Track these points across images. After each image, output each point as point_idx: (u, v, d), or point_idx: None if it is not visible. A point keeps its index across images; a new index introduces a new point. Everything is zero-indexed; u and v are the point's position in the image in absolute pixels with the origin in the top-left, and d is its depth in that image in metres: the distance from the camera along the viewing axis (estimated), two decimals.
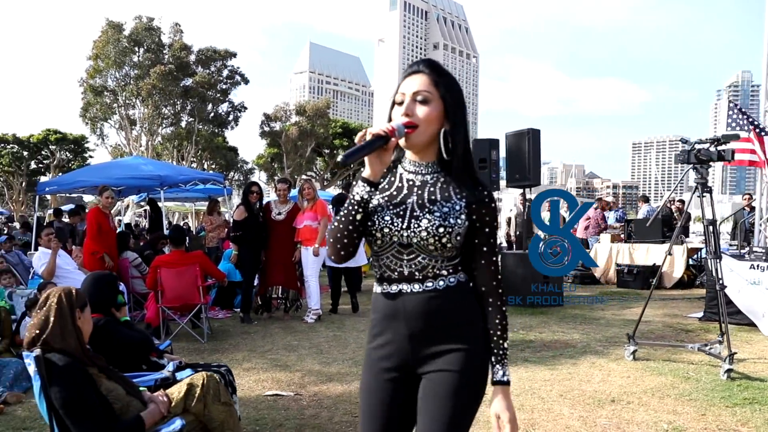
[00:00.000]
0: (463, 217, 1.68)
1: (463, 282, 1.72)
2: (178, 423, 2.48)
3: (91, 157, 45.57)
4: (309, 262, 7.18)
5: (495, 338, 1.71)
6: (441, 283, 1.69)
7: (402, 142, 1.68)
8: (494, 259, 1.74)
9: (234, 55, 38.39)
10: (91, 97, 34.05)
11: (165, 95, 34.58)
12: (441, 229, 1.65)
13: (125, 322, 3.41)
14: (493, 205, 1.74)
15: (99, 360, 2.60)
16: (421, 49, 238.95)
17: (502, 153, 8.78)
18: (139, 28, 34.47)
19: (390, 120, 1.72)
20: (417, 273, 1.68)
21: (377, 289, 1.76)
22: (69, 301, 2.57)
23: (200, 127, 36.78)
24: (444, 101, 1.70)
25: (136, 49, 34.62)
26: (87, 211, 12.07)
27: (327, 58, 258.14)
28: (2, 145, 41.95)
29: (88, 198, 31.63)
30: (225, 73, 38.31)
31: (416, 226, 1.66)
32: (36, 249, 10.56)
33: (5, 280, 6.72)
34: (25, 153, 43.28)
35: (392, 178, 1.78)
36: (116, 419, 2.42)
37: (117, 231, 8.02)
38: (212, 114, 38.21)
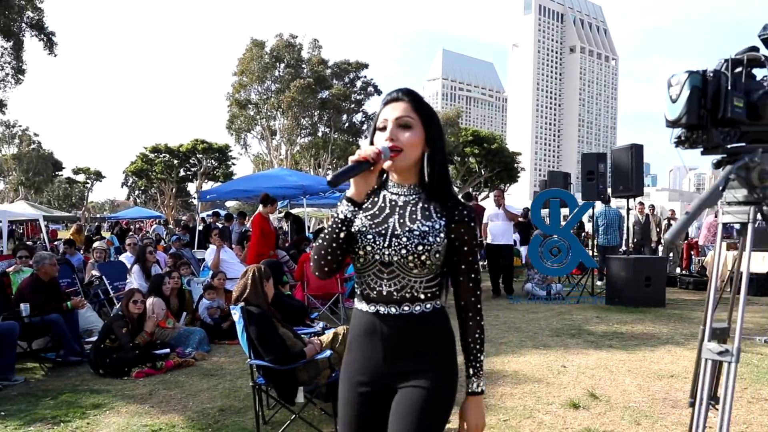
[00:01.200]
0: (442, 235, 1.77)
1: (438, 309, 1.81)
2: (328, 352, 3.79)
3: (234, 164, 50.02)
4: None
5: (474, 352, 1.81)
6: (417, 308, 1.78)
7: (387, 164, 1.76)
8: (473, 276, 1.82)
9: (366, 66, 40.71)
10: (236, 110, 37.65)
11: (303, 107, 37.44)
12: (420, 248, 1.74)
13: (288, 295, 4.79)
14: (472, 224, 1.83)
15: (277, 314, 3.94)
16: (556, 52, 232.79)
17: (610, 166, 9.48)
18: (280, 45, 37.64)
19: (371, 139, 1.82)
20: (395, 293, 1.77)
21: (357, 305, 1.86)
22: (259, 273, 3.95)
23: (336, 136, 39.37)
24: (425, 127, 1.80)
25: (277, 64, 37.77)
26: (246, 216, 14.13)
27: (460, 65, 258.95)
28: (156, 154, 46.94)
29: (229, 203, 35.08)
30: (358, 84, 40.81)
31: (396, 244, 1.75)
32: (196, 247, 12.68)
33: (184, 270, 8.48)
34: (176, 161, 47.97)
35: (376, 199, 1.86)
36: (288, 350, 3.74)
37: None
38: (347, 124, 40.69)
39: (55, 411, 4.45)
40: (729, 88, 2.18)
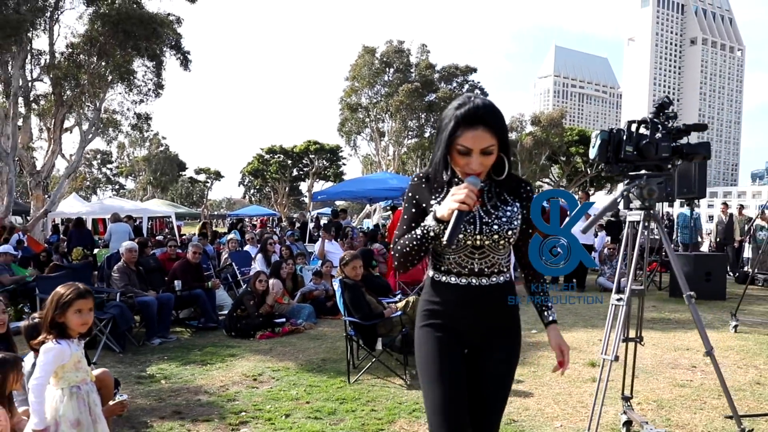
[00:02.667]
0: (520, 217, 2.07)
1: (509, 279, 2.13)
2: (399, 312, 5.01)
3: (344, 164, 52.31)
4: None
5: (542, 293, 2.19)
6: (502, 278, 2.08)
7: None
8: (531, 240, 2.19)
9: (474, 70, 41.54)
10: (347, 114, 39.71)
11: (411, 110, 38.86)
12: (509, 232, 2.03)
13: (376, 276, 6.07)
14: (533, 195, 2.16)
15: (363, 286, 5.21)
16: (675, 45, 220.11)
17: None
18: (390, 51, 39.31)
19: (447, 158, 2.00)
20: (486, 269, 2.05)
21: (441, 278, 2.09)
22: (355, 257, 5.23)
23: None
24: (500, 143, 1.98)
25: (387, 69, 39.45)
26: (346, 212, 15.48)
27: (573, 61, 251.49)
28: (271, 155, 49.96)
29: (339, 202, 37.12)
30: (466, 87, 41.70)
31: (488, 231, 2.01)
32: (307, 241, 14.31)
33: (300, 260, 9.98)
34: (289, 161, 50.68)
35: (449, 188, 2.01)
36: (371, 311, 5.02)
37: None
38: None
39: (202, 357, 5.99)
40: (624, 139, 3.37)
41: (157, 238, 15.80)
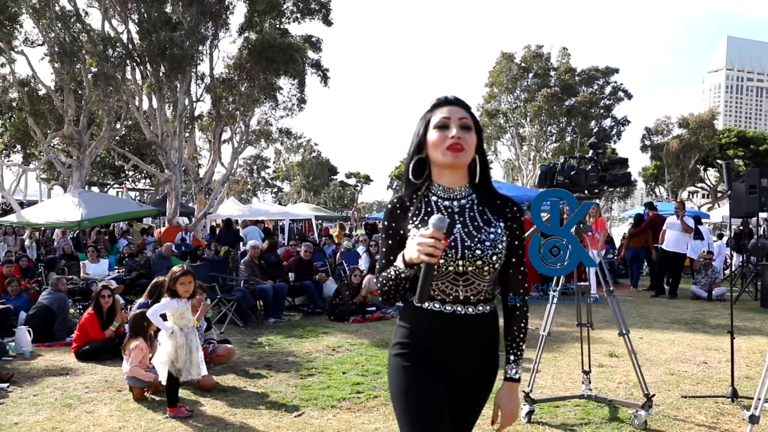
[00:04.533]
0: (505, 239, 1.93)
1: (494, 309, 1.99)
2: None
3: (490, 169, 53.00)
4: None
5: (517, 340, 1.97)
6: (488, 308, 1.96)
7: (449, 159, 1.90)
8: (522, 268, 1.97)
9: (616, 71, 40.49)
10: (486, 120, 40.51)
11: (550, 115, 38.87)
12: (494, 257, 1.90)
13: None
14: (522, 218, 1.98)
15: None
16: None
17: None
18: (528, 56, 39.60)
19: (424, 137, 1.96)
20: (472, 297, 1.92)
21: (425, 305, 1.93)
22: None
23: (585, 140, 39.88)
24: (477, 133, 1.95)
25: (525, 75, 39.74)
26: None
27: (749, 52, 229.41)
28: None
29: None
30: (608, 89, 40.82)
31: (470, 256, 1.88)
32: None
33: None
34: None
35: (427, 208, 1.96)
36: None
37: None
38: (595, 129, 40.91)
39: (302, 333, 7.62)
40: (557, 171, 4.42)
41: (308, 238, 18.12)
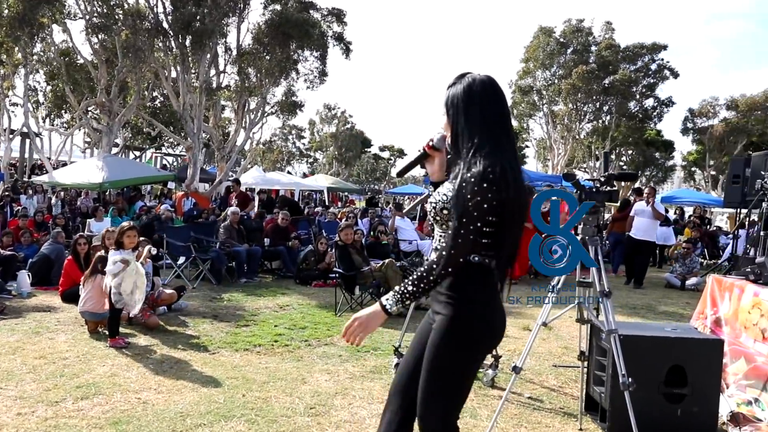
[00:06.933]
0: (448, 194, 2.13)
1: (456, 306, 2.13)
2: (366, 268, 7.20)
3: (526, 147, 52.90)
4: None
5: (409, 278, 2.14)
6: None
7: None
8: (458, 229, 2.05)
9: (664, 47, 39.64)
10: (518, 96, 40.45)
11: (587, 93, 38.46)
12: (430, 206, 2.24)
13: (383, 243, 8.32)
14: (473, 180, 2.03)
15: (353, 247, 7.50)
16: None
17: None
18: (567, 31, 39.28)
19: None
20: (435, 243, 2.26)
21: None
22: (348, 227, 7.54)
23: (623, 121, 39.39)
24: (448, 112, 2.20)
25: (564, 50, 39.40)
26: None
27: None
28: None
29: None
30: (653, 67, 39.99)
31: (428, 206, 2.29)
32: None
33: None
34: None
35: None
36: (352, 265, 7.29)
37: None
38: (636, 109, 40.28)
39: (264, 293, 8.74)
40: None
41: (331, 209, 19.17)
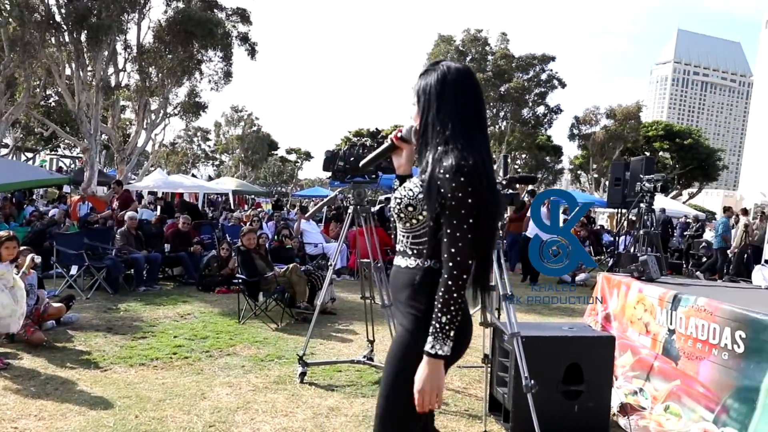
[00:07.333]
0: (415, 189, 1.93)
1: (420, 267, 1.94)
2: (270, 273, 6.92)
3: None
4: None
5: (435, 310, 1.83)
6: (404, 262, 1.99)
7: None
8: (452, 233, 1.82)
9: (552, 59, 41.51)
10: None
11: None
12: (393, 202, 2.00)
13: (288, 248, 8.05)
14: (448, 176, 1.81)
15: (256, 252, 7.18)
16: None
17: None
18: (466, 40, 40.34)
19: None
20: (397, 245, 2.05)
21: None
22: (250, 231, 7.20)
23: (518, 127, 40.92)
24: (418, 101, 2.01)
25: (463, 59, 40.41)
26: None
27: (698, 46, 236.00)
28: (358, 138, 52.38)
29: None
30: (544, 77, 41.80)
31: (391, 202, 2.05)
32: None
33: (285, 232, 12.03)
34: (375, 144, 52.65)
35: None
36: (255, 271, 6.97)
37: None
38: (529, 116, 41.94)
39: (164, 301, 8.22)
40: (339, 156, 5.02)
41: (235, 213, 18.42)
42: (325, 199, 6.99)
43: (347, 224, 5.32)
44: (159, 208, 16.25)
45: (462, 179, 1.81)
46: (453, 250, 1.82)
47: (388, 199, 18.53)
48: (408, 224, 1.98)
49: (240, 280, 7.19)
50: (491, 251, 1.97)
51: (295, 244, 10.67)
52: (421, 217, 1.94)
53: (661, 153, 42.30)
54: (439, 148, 1.90)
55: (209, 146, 58.58)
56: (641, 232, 9.10)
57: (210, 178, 38.84)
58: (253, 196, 34.54)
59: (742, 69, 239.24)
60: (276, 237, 9.95)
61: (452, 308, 1.82)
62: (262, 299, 7.11)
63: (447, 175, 1.82)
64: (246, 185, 32.31)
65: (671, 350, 4.84)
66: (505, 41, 42.06)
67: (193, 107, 26.78)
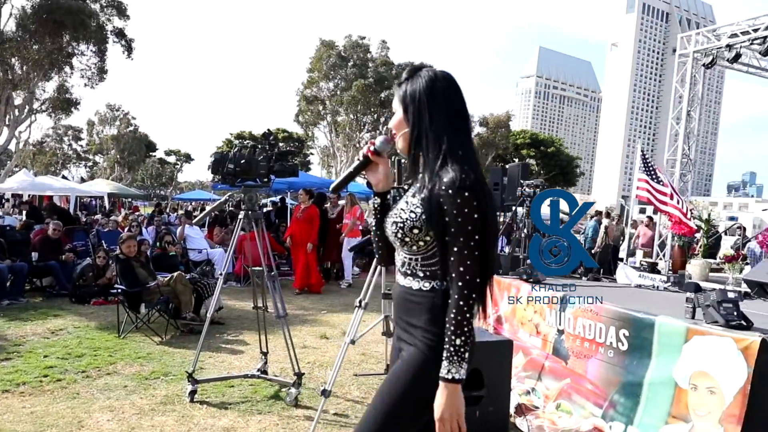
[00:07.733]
0: (417, 210, 1.77)
1: (437, 289, 1.79)
2: (153, 283, 6.35)
3: (312, 154, 53.32)
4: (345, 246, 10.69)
5: (447, 333, 1.71)
6: (416, 284, 1.81)
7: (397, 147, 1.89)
8: (461, 251, 1.71)
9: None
10: (303, 105, 40.73)
11: (366, 105, 40.00)
12: (394, 226, 1.82)
13: (172, 255, 7.47)
14: (451, 192, 1.69)
15: (137, 261, 6.58)
16: (657, 53, 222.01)
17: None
18: (348, 46, 40.39)
19: None
20: (401, 267, 1.86)
21: None
22: (130, 238, 6.58)
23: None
24: (404, 108, 1.85)
25: (345, 64, 40.45)
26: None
27: (556, 63, 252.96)
28: (240, 140, 51.01)
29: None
30: None
31: (387, 225, 1.87)
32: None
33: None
34: (267, 146, 51.48)
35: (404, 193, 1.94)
36: (137, 280, 6.36)
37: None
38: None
39: (32, 316, 7.33)
40: (229, 159, 4.60)
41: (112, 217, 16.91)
42: (215, 204, 6.49)
43: (238, 229, 4.94)
44: (24, 212, 14.71)
45: (466, 194, 1.70)
46: (462, 269, 1.72)
47: (275, 203, 18.06)
48: (414, 247, 1.82)
49: (119, 291, 6.55)
50: (494, 266, 1.85)
51: (179, 250, 9.98)
52: (428, 239, 1.79)
53: (528, 159, 44.78)
54: (438, 161, 1.77)
55: (81, 146, 54.57)
56: (523, 234, 9.33)
57: (83, 180, 36.00)
58: (130, 200, 32.53)
59: (593, 86, 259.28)
60: (158, 243, 9.23)
61: (465, 330, 1.72)
62: (144, 311, 6.48)
63: (450, 191, 1.71)
64: (122, 188, 30.28)
65: (561, 350, 4.91)
66: (386, 49, 42.66)
67: (64, 104, 24.67)
